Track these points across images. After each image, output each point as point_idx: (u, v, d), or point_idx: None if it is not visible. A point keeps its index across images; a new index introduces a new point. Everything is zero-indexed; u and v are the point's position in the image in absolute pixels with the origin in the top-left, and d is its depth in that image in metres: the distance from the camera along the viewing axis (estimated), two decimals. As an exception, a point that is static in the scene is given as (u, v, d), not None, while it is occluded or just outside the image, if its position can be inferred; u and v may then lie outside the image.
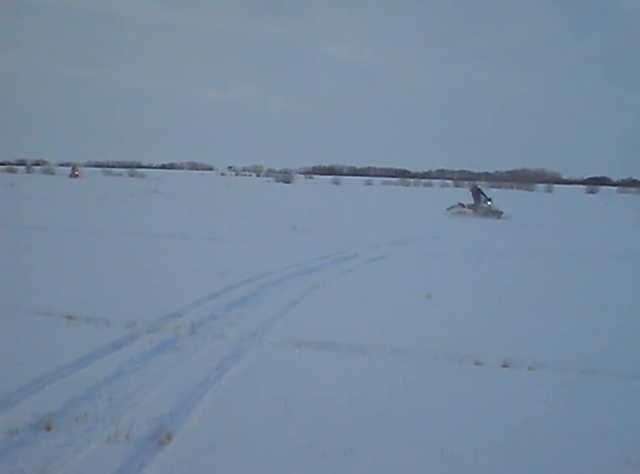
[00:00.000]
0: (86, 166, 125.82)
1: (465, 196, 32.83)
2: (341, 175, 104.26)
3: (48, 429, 4.54)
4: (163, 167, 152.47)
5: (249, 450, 4.34)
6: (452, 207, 29.95)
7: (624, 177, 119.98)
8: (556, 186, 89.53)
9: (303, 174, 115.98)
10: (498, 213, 28.94)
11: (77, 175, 68.51)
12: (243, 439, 4.48)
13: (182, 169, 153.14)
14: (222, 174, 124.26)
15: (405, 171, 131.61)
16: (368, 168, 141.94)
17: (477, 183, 33.50)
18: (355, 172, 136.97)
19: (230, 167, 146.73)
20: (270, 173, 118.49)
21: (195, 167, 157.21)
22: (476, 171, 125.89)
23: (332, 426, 4.78)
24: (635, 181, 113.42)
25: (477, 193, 30.23)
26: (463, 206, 29.83)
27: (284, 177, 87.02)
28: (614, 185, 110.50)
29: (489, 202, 29.68)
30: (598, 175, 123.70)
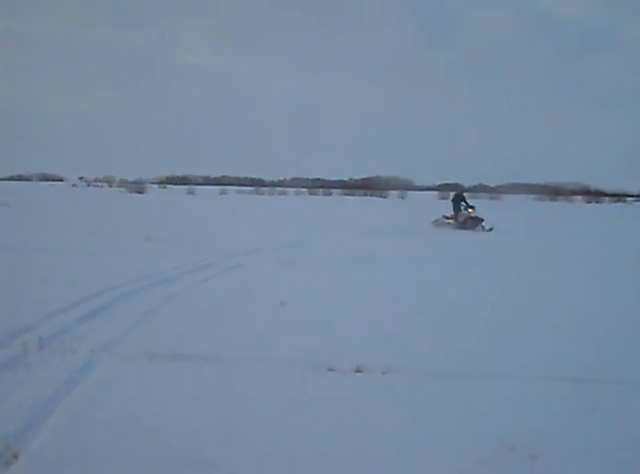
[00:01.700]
0: None
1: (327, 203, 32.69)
2: (195, 184, 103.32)
3: None
4: (11, 178, 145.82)
5: (99, 467, 4.28)
6: (437, 220, 28.59)
7: (475, 183, 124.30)
8: (409, 192, 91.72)
9: (157, 184, 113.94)
10: (478, 221, 27.25)
11: None
12: (93, 456, 4.41)
13: (31, 180, 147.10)
14: (73, 185, 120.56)
15: (260, 179, 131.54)
16: (223, 177, 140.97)
17: (458, 191, 29.50)
18: (209, 181, 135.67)
19: (81, 178, 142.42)
20: (122, 183, 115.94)
21: (45, 178, 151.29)
22: (331, 178, 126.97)
23: (185, 438, 4.76)
24: (486, 186, 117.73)
25: (458, 201, 28.47)
26: (447, 217, 28.29)
27: (137, 187, 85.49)
28: (465, 191, 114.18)
29: (470, 210, 27.81)
30: (449, 181, 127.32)
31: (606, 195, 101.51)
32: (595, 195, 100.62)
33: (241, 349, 7.11)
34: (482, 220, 27.22)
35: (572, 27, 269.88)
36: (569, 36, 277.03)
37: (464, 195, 29.25)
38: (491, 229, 26.76)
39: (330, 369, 6.48)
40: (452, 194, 31.24)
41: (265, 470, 4.32)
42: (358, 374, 6.39)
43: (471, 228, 26.83)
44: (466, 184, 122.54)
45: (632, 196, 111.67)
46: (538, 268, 15.45)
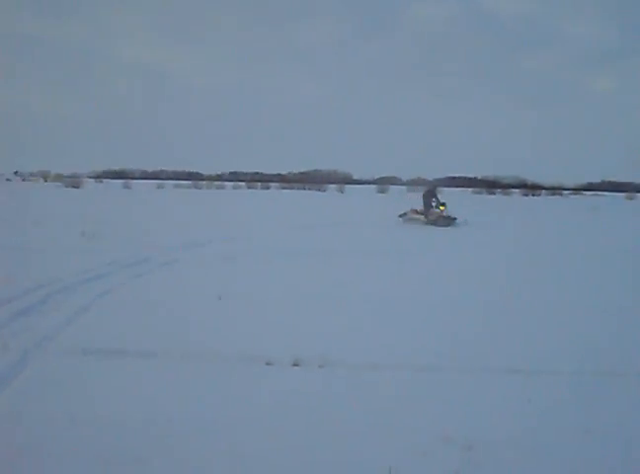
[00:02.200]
0: None
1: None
2: (132, 178, 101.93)
3: None
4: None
5: (31, 464, 4.25)
6: (405, 214, 27.58)
7: (413, 176, 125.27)
8: (347, 186, 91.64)
9: (93, 178, 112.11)
10: (450, 220, 26.29)
11: None
12: (25, 453, 4.38)
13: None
14: (7, 179, 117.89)
15: (197, 173, 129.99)
16: (161, 171, 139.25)
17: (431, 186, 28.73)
18: (147, 175, 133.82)
19: (16, 172, 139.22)
20: (58, 178, 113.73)
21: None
22: (269, 172, 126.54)
23: (119, 435, 4.75)
24: (424, 180, 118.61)
25: (430, 197, 27.07)
26: (416, 212, 27.13)
27: (73, 182, 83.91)
28: (403, 184, 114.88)
29: (442, 207, 26.57)
30: (388, 175, 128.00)
31: (543, 188, 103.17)
32: (532, 188, 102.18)
33: (178, 344, 7.08)
34: (454, 219, 26.50)
35: (509, 22, 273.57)
36: (506, 31, 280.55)
37: (436, 191, 28.06)
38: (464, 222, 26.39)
39: (268, 363, 6.51)
40: (424, 189, 29.25)
41: (200, 467, 4.34)
42: (295, 368, 6.43)
43: (443, 226, 25.69)
44: (404, 177, 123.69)
45: (568, 189, 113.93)
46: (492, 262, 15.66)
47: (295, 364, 6.50)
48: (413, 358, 6.83)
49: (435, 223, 25.93)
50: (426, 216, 26.62)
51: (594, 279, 12.90)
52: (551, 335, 8.11)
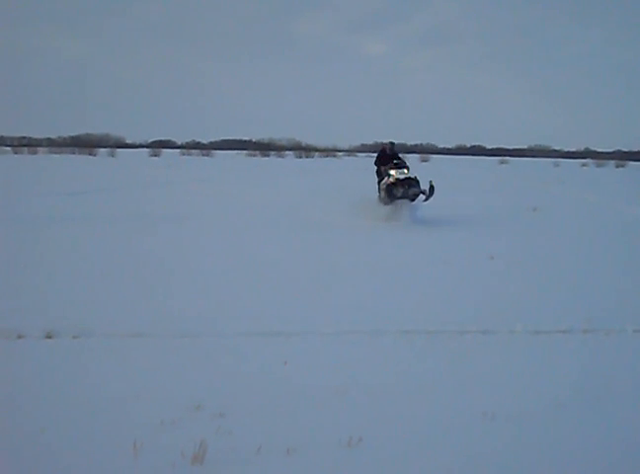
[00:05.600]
0: None
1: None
2: None
3: None
4: None
5: None
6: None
7: (188, 140, 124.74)
8: (119, 150, 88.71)
9: None
10: (412, 193, 15.86)
11: None
12: None
13: None
14: None
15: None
16: None
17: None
18: None
19: None
20: None
21: None
22: (38, 137, 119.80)
23: None
24: (199, 143, 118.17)
25: (385, 161, 17.09)
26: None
27: None
28: (178, 147, 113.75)
29: (392, 172, 16.19)
30: (162, 138, 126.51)
31: (317, 150, 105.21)
32: (306, 150, 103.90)
33: None
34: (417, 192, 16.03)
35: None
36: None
37: (391, 151, 17.61)
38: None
39: (19, 336, 6.30)
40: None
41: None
42: (48, 340, 6.26)
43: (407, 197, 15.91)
44: (179, 140, 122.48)
45: (342, 150, 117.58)
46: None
47: (48, 336, 6.33)
48: (173, 326, 6.74)
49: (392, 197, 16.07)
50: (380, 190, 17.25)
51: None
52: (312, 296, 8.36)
